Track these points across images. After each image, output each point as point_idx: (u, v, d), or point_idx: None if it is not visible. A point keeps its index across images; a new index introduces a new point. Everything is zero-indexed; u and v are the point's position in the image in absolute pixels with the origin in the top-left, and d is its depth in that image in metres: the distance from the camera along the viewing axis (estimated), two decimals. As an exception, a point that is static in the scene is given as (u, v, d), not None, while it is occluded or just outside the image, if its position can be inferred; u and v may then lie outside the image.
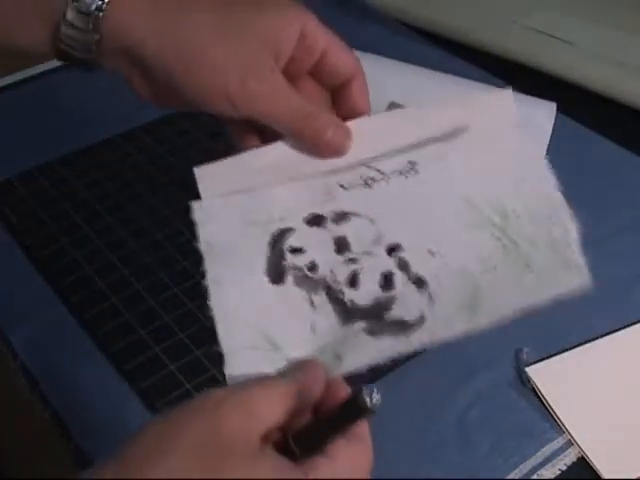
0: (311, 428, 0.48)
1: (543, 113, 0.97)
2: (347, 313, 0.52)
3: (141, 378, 0.71)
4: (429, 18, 1.14)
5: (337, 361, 0.51)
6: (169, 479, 0.42)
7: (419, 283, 0.52)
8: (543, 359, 0.73)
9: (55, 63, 1.05)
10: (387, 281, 0.52)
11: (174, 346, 0.73)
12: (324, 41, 0.54)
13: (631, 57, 1.05)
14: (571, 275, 0.54)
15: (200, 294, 0.77)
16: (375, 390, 0.46)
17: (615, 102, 1.02)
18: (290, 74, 0.55)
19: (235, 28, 0.53)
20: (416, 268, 0.52)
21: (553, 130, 0.95)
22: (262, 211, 0.53)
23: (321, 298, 0.52)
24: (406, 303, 0.51)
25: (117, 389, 0.71)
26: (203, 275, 0.53)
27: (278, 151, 0.54)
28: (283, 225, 0.53)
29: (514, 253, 0.53)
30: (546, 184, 0.55)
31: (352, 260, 0.53)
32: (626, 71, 1.03)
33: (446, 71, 1.01)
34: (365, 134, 0.55)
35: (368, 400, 0.46)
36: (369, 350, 0.50)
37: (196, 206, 0.54)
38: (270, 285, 0.52)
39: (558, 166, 0.94)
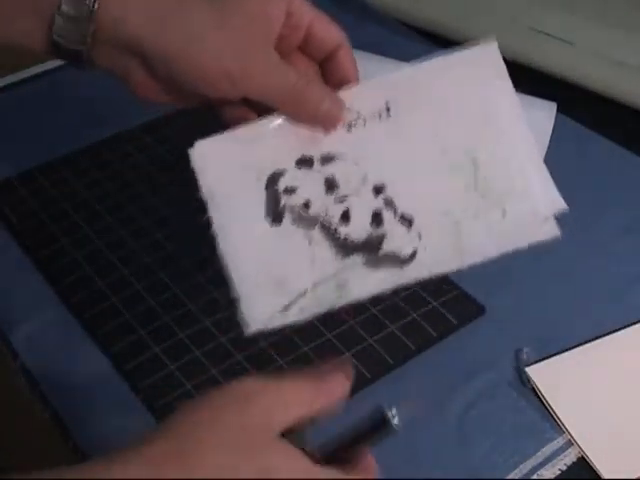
0: (337, 439, 0.50)
1: (543, 113, 0.97)
2: (343, 247, 0.55)
3: (141, 378, 0.71)
4: (429, 18, 1.14)
5: (340, 291, 0.55)
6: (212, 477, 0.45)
7: (406, 221, 0.56)
8: (543, 359, 0.73)
9: (55, 63, 1.05)
10: (377, 218, 0.56)
11: (174, 346, 0.73)
12: (309, 16, 0.57)
13: (631, 57, 1.05)
14: (541, 226, 0.56)
15: (200, 294, 0.77)
16: (395, 410, 0.50)
17: (615, 102, 1.01)
18: (281, 51, 0.57)
19: (228, 12, 0.55)
20: (402, 207, 0.55)
21: (553, 130, 0.95)
22: (255, 156, 0.56)
23: (317, 234, 0.55)
24: (397, 239, 0.55)
25: (117, 389, 0.71)
26: (209, 224, 0.56)
27: (273, 123, 0.57)
28: (276, 168, 0.56)
29: (489, 199, 0.56)
30: (513, 130, 0.58)
31: (342, 199, 0.56)
32: (626, 71, 1.03)
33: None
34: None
35: (393, 420, 0.50)
36: (370, 280, 0.55)
37: (194, 153, 0.56)
38: (270, 226, 0.55)
39: (558, 166, 0.94)
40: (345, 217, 0.56)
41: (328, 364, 0.51)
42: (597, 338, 0.74)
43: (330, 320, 0.74)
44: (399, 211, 0.56)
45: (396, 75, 0.60)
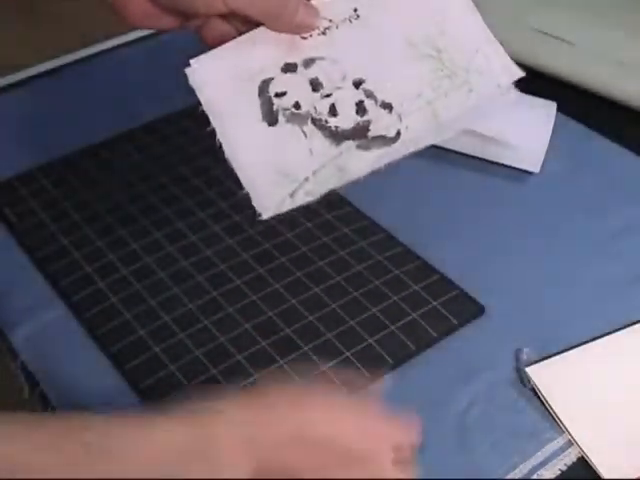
0: None
1: (543, 113, 0.97)
2: (335, 136, 0.62)
3: (141, 378, 0.71)
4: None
5: (341, 172, 0.62)
6: None
7: (387, 107, 0.63)
8: (543, 359, 0.73)
9: (55, 63, 1.05)
10: (360, 108, 0.63)
11: (174, 346, 0.73)
12: None
13: (631, 57, 1.05)
14: (503, 95, 0.67)
15: (200, 294, 0.77)
16: None
17: (615, 102, 1.02)
18: None
19: None
20: (381, 95, 0.63)
21: (553, 130, 0.95)
22: (245, 67, 0.63)
23: (310, 128, 0.62)
24: (381, 123, 0.62)
25: (117, 389, 0.71)
26: (213, 134, 0.62)
27: (259, 35, 0.64)
28: (264, 76, 0.63)
29: (456, 80, 0.64)
30: (468, 19, 0.66)
31: (327, 95, 0.63)
32: (626, 71, 1.03)
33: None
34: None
35: None
36: (365, 159, 0.62)
37: (190, 72, 0.62)
38: (269, 128, 0.62)
39: (558, 166, 0.94)
40: (332, 110, 0.63)
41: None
42: (597, 338, 0.75)
43: (330, 320, 0.74)
44: (379, 99, 0.63)
45: None
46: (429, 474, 0.65)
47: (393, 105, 0.63)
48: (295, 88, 0.63)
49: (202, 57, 0.63)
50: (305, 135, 0.62)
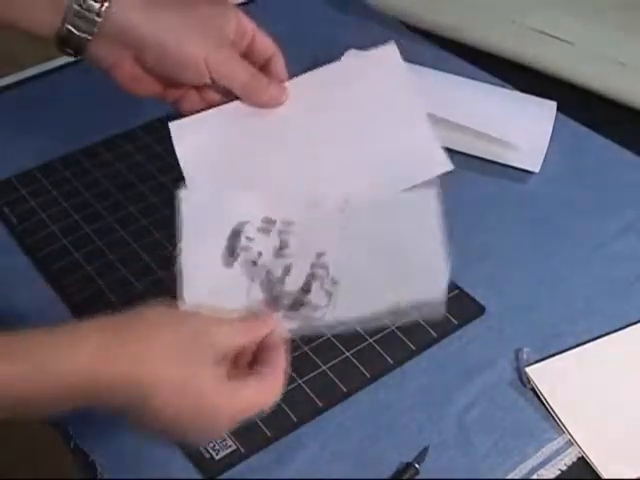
0: None
1: (543, 113, 0.97)
2: (273, 300, 0.65)
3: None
4: (429, 18, 1.14)
5: None
6: (147, 346, 0.56)
7: (333, 284, 0.66)
8: (543, 359, 0.73)
9: (55, 63, 1.05)
10: (308, 282, 0.66)
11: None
12: (252, 28, 0.74)
13: (631, 57, 1.05)
14: (433, 292, 0.66)
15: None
16: None
17: (615, 102, 1.02)
18: None
19: (200, 18, 0.72)
20: (333, 274, 0.66)
21: (553, 130, 0.95)
22: (230, 205, 0.67)
23: (257, 285, 0.66)
24: (318, 299, 0.65)
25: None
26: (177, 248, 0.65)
27: (234, 107, 0.72)
28: (243, 219, 0.67)
29: (401, 277, 0.67)
30: (437, 242, 0.68)
31: (287, 260, 0.67)
32: (626, 71, 1.03)
33: (446, 71, 1.01)
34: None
35: None
36: (284, 327, 0.63)
37: (182, 194, 0.67)
38: (223, 264, 0.66)
39: (558, 166, 0.94)
40: (284, 276, 0.66)
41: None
42: (597, 338, 0.75)
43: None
44: (329, 277, 0.66)
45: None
46: (429, 474, 0.65)
47: (339, 283, 0.66)
48: (264, 242, 0.67)
49: (190, 188, 0.68)
50: (249, 288, 0.66)
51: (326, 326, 0.66)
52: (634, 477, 0.65)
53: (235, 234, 0.67)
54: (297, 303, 0.65)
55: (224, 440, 0.66)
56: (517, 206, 0.89)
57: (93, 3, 0.68)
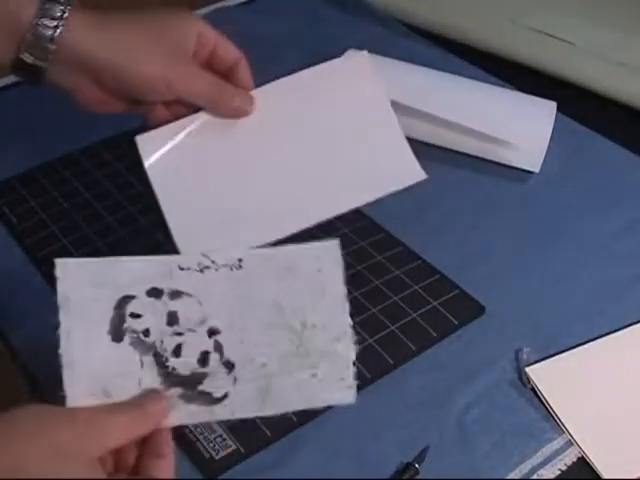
0: None
1: (543, 113, 0.97)
2: (168, 377, 0.61)
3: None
4: (429, 18, 1.14)
5: None
6: (19, 460, 0.53)
7: (228, 366, 0.62)
8: (543, 359, 0.73)
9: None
10: (203, 358, 0.62)
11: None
12: (214, 37, 0.71)
13: (631, 57, 1.05)
14: (342, 391, 0.63)
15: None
16: None
17: (615, 102, 1.02)
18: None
19: (157, 33, 0.70)
20: (228, 353, 0.63)
21: (553, 130, 0.95)
22: (114, 277, 0.64)
23: (149, 360, 0.62)
24: (215, 380, 0.62)
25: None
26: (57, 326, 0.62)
27: (201, 119, 0.71)
28: (128, 292, 0.63)
29: (306, 361, 0.63)
30: (340, 307, 0.64)
31: (179, 334, 0.63)
32: (626, 71, 1.03)
33: (446, 71, 1.01)
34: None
35: None
36: (180, 412, 0.61)
37: (58, 263, 0.65)
38: (111, 343, 0.62)
39: (558, 166, 0.94)
40: (177, 350, 0.62)
41: (148, 393, 0.60)
42: (597, 338, 0.75)
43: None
44: (225, 356, 0.62)
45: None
46: (429, 474, 0.65)
47: (235, 366, 0.62)
48: (152, 315, 0.63)
49: (71, 260, 0.66)
50: (142, 365, 0.62)
51: (227, 409, 0.62)
52: (634, 477, 0.65)
53: (119, 311, 0.63)
54: (195, 377, 0.62)
55: (224, 440, 0.66)
56: (517, 206, 0.89)
57: (45, 30, 0.67)
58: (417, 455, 0.65)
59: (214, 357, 0.63)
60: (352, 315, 0.75)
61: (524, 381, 0.71)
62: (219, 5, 1.21)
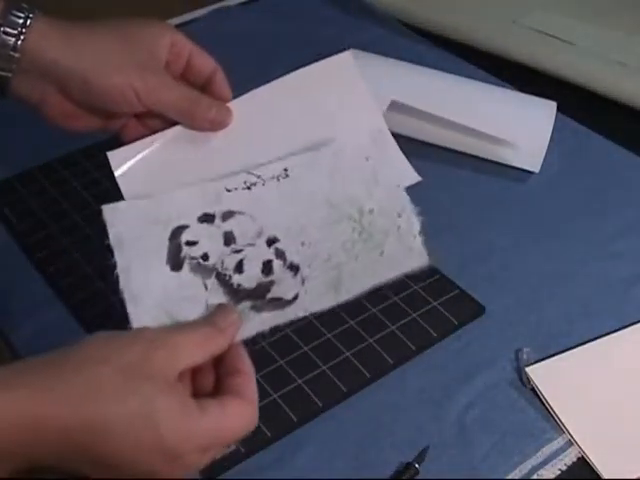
0: None
1: (543, 113, 0.97)
2: (235, 294, 0.62)
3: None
4: (429, 18, 1.14)
5: None
6: (93, 384, 0.52)
7: (293, 269, 0.63)
8: (543, 359, 0.73)
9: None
10: (267, 268, 0.63)
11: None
12: (188, 47, 0.69)
13: (631, 57, 1.05)
14: (413, 259, 0.65)
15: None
16: None
17: (615, 102, 1.02)
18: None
19: (127, 41, 0.67)
20: (291, 257, 0.63)
21: (553, 130, 0.95)
22: (162, 212, 0.64)
23: (213, 282, 0.62)
24: (283, 285, 0.62)
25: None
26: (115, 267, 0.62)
27: (176, 132, 0.68)
28: (179, 223, 0.63)
29: (370, 243, 0.64)
30: (395, 188, 0.66)
31: (238, 251, 0.63)
32: (626, 71, 1.03)
33: (446, 71, 1.01)
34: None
35: None
36: (253, 322, 0.61)
37: (106, 208, 0.64)
38: (170, 272, 0.62)
39: (558, 166, 0.94)
40: (239, 267, 0.63)
41: (217, 310, 0.59)
42: (597, 338, 0.75)
43: (330, 320, 0.74)
44: (288, 260, 0.63)
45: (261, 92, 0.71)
46: (429, 474, 0.65)
47: (300, 267, 0.63)
48: (207, 239, 0.63)
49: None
50: (206, 288, 0.62)
51: (299, 308, 0.62)
52: (634, 477, 0.65)
53: (174, 242, 0.63)
54: (262, 287, 0.62)
55: (224, 440, 0.66)
56: (517, 206, 0.89)
57: (8, 38, 0.65)
58: (417, 455, 0.65)
59: (277, 264, 0.63)
60: (353, 314, 0.75)
61: (524, 381, 0.71)
62: (219, 5, 1.21)
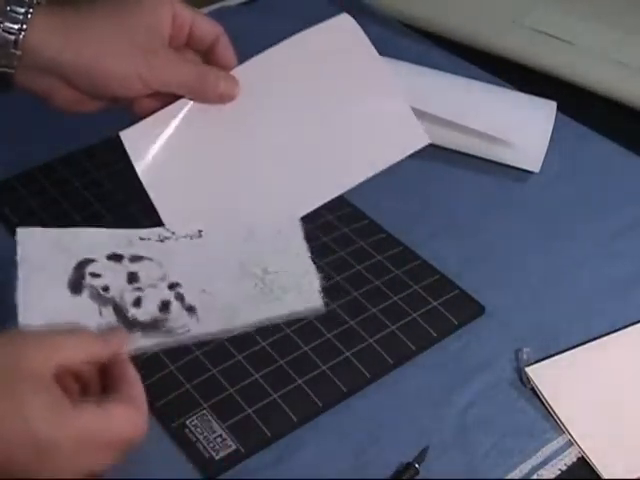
0: None
1: (543, 113, 0.97)
2: (129, 324, 0.63)
3: (140, 378, 0.70)
4: (429, 18, 1.14)
5: None
6: None
7: (190, 310, 0.64)
8: (543, 359, 0.73)
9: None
10: (164, 307, 0.64)
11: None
12: (190, 16, 0.68)
13: (631, 57, 1.05)
14: (307, 302, 0.68)
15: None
16: None
17: (615, 102, 1.02)
18: (173, 49, 0.69)
19: (126, 22, 0.67)
20: (190, 300, 0.64)
21: (553, 130, 0.95)
22: (73, 244, 0.66)
23: (108, 311, 0.63)
24: (178, 322, 0.64)
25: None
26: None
27: (184, 105, 0.69)
28: (88, 256, 0.65)
29: (270, 296, 0.67)
30: (301, 256, 0.68)
31: (139, 289, 0.65)
32: (626, 71, 1.03)
33: (446, 71, 1.01)
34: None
35: None
36: (142, 342, 0.62)
37: (20, 231, 0.67)
38: (69, 294, 0.63)
39: (558, 166, 0.94)
40: (137, 302, 0.64)
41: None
42: (597, 338, 0.75)
43: (330, 320, 0.74)
44: (186, 302, 0.65)
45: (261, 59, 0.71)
46: (429, 474, 0.65)
47: (197, 310, 0.64)
48: (111, 275, 0.65)
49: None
50: (100, 314, 0.63)
51: (192, 337, 0.63)
52: (634, 477, 0.65)
53: (79, 271, 0.63)
54: (157, 322, 0.62)
55: (224, 440, 0.66)
56: (517, 206, 0.89)
57: (8, 35, 0.65)
58: (417, 455, 0.65)
59: (175, 304, 0.64)
60: (353, 314, 0.75)
61: (524, 381, 0.71)
62: (219, 5, 1.21)
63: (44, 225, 0.84)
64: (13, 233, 0.84)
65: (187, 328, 0.63)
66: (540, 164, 0.92)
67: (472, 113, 0.94)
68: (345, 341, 0.73)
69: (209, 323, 0.64)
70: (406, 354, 0.73)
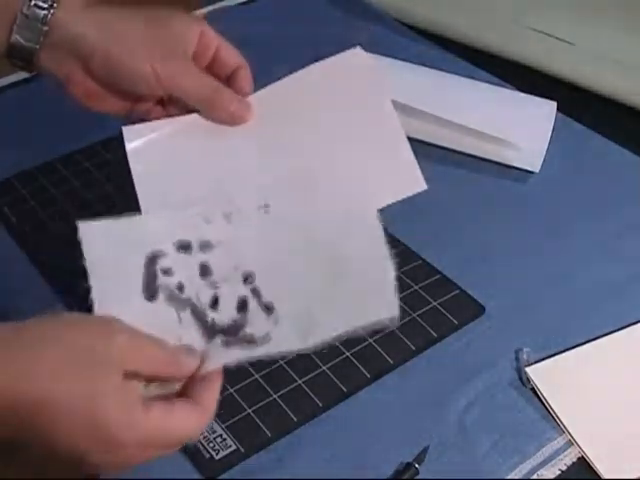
0: None
1: (543, 113, 0.97)
2: (210, 329, 0.60)
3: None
4: (429, 18, 1.14)
5: None
6: (34, 360, 0.51)
7: (268, 308, 0.61)
8: (543, 359, 0.73)
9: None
10: (242, 305, 0.61)
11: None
12: (216, 40, 0.70)
13: (631, 57, 1.05)
14: (384, 308, 0.61)
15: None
16: None
17: (615, 102, 1.02)
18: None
19: (155, 26, 0.68)
20: (266, 296, 0.62)
21: (553, 130, 0.95)
22: (138, 235, 0.62)
23: (187, 315, 0.60)
24: (256, 324, 0.61)
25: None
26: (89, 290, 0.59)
27: (193, 119, 0.68)
28: (156, 248, 0.62)
29: (345, 288, 0.62)
30: (374, 234, 0.64)
31: (213, 284, 0.62)
32: (626, 71, 1.03)
33: (446, 71, 1.01)
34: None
35: None
36: (222, 357, 0.58)
37: (82, 226, 0.61)
38: (145, 301, 0.60)
39: (558, 166, 0.94)
40: (214, 303, 0.61)
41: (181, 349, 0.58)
42: (597, 338, 0.75)
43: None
44: (263, 299, 0.62)
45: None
46: (429, 474, 0.65)
47: (274, 308, 0.61)
48: (183, 269, 0.62)
49: (97, 221, 0.63)
50: (180, 321, 0.60)
51: (269, 348, 0.61)
52: (634, 477, 0.65)
53: (150, 268, 0.61)
54: (236, 324, 0.61)
55: (224, 440, 0.66)
56: (517, 206, 0.89)
57: (38, 10, 0.66)
58: (417, 455, 0.65)
59: (252, 302, 0.62)
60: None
61: (524, 381, 0.71)
62: (219, 5, 1.21)
63: (44, 225, 0.84)
64: (13, 233, 0.84)
65: (266, 331, 0.60)
66: (540, 164, 0.92)
67: (472, 113, 0.94)
68: (345, 341, 0.73)
69: (287, 332, 0.61)
70: (406, 354, 0.73)
